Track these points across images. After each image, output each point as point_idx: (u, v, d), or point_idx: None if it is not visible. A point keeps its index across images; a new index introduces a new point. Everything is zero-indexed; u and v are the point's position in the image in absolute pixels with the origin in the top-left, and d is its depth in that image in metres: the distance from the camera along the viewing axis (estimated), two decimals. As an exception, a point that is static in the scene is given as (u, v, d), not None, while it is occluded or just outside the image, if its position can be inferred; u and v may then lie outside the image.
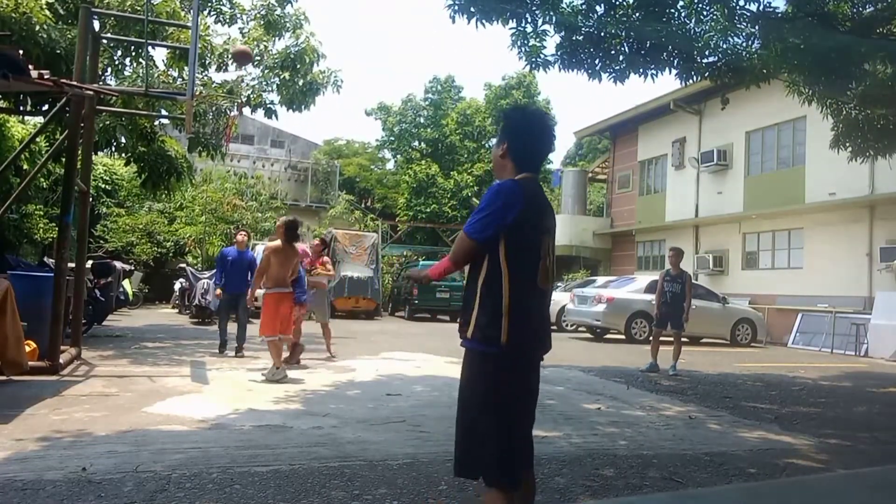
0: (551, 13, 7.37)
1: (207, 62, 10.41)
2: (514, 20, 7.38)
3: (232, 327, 8.98)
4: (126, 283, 12.45)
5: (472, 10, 7.04)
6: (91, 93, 7.20)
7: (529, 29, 7.55)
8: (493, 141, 27.66)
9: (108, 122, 9.49)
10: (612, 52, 7.69)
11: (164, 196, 14.30)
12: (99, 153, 11.64)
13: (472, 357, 2.28)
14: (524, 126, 2.45)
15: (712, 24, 7.76)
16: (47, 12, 8.14)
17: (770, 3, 7.58)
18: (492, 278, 2.23)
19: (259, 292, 7.24)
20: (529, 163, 2.41)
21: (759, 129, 17.70)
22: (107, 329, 11.44)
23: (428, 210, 28.41)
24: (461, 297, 2.39)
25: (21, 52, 6.25)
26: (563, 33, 7.57)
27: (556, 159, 37.69)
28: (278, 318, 6.85)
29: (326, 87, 10.88)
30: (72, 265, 8.14)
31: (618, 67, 7.76)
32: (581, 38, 7.60)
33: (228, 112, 10.88)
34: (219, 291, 9.13)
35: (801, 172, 16.34)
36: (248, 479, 3.46)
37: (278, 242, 7.01)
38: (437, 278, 2.63)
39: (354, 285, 18.37)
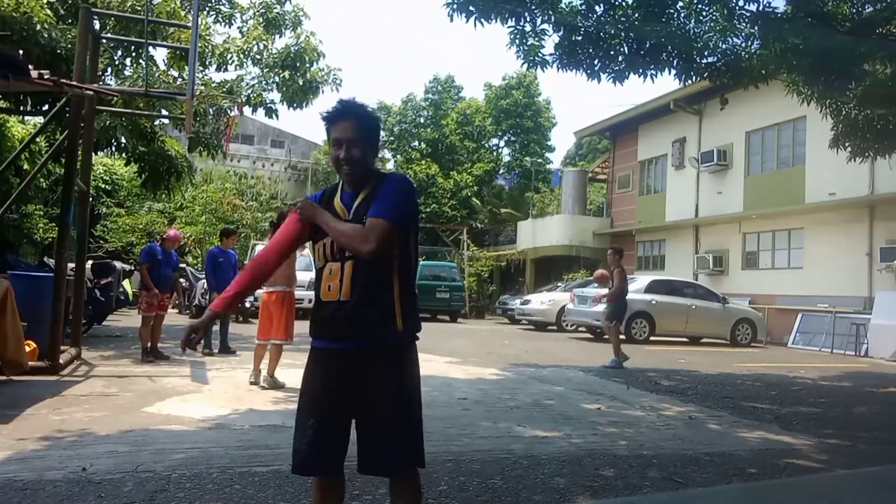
0: (550, 12, 7.37)
1: (207, 62, 10.42)
2: (513, 19, 7.37)
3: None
4: (126, 283, 12.43)
5: (470, 8, 7.04)
6: (91, 93, 7.19)
7: (528, 28, 7.55)
8: (493, 141, 27.22)
9: (108, 122, 9.49)
10: (612, 52, 7.67)
11: (164, 196, 14.31)
12: (99, 153, 11.63)
13: (409, 350, 2.25)
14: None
15: (712, 24, 7.75)
16: (48, 12, 8.14)
17: (770, 3, 7.56)
18: (404, 268, 2.20)
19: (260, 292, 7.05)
20: None
21: (759, 129, 17.70)
22: (107, 329, 11.44)
23: (428, 210, 28.44)
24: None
25: (21, 51, 6.26)
26: (561, 33, 7.56)
27: (556, 159, 37.74)
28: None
29: (326, 86, 10.89)
30: (72, 265, 8.14)
31: (617, 67, 7.75)
32: (580, 37, 7.59)
33: (228, 112, 10.89)
34: (215, 295, 8.80)
35: (801, 172, 16.34)
36: (248, 479, 3.47)
37: None
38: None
39: None
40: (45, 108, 9.03)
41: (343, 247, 2.14)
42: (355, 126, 2.20)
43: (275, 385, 6.40)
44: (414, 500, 2.28)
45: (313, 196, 2.40)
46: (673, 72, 8.00)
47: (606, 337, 9.48)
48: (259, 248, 12.03)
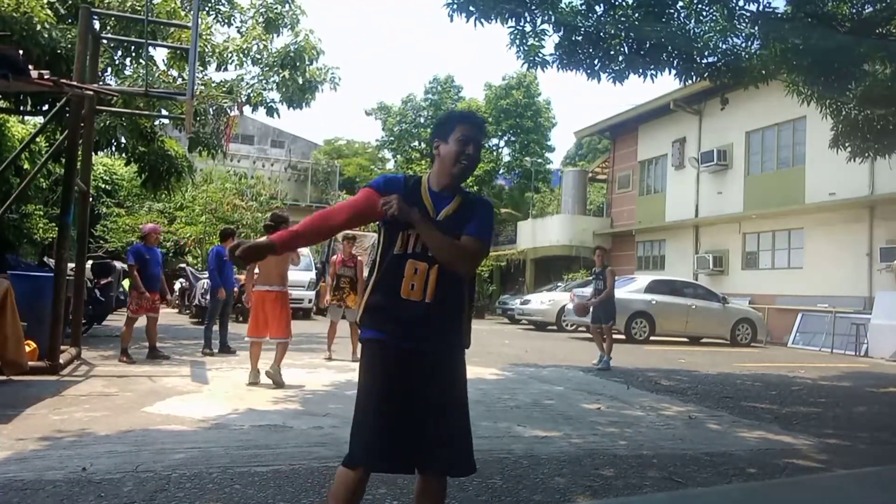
0: (550, 12, 7.36)
1: (207, 62, 10.42)
2: (513, 19, 7.37)
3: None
4: (126, 283, 12.42)
5: (470, 8, 7.04)
6: (91, 93, 7.20)
7: (528, 28, 7.54)
8: (493, 141, 27.09)
9: (108, 122, 9.49)
10: (612, 52, 7.66)
11: (164, 196, 14.32)
12: (99, 153, 11.64)
13: (463, 360, 2.39)
14: None
15: (712, 24, 7.75)
16: (48, 12, 8.15)
17: (770, 3, 7.57)
18: (472, 288, 2.42)
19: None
20: None
21: (759, 129, 17.70)
22: (107, 329, 11.44)
23: (428, 210, 28.41)
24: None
25: (21, 51, 6.27)
26: (561, 33, 7.55)
27: (556, 159, 37.74)
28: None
29: (324, 84, 10.88)
30: (72, 265, 8.15)
31: (617, 67, 7.74)
32: (580, 37, 7.59)
33: (228, 111, 10.89)
34: (222, 292, 8.84)
35: (801, 172, 16.33)
36: (248, 479, 3.47)
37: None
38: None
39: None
40: (45, 108, 9.04)
41: (439, 256, 2.20)
42: (483, 136, 2.39)
43: (278, 377, 6.44)
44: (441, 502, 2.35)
45: (395, 178, 2.36)
46: (673, 72, 7.99)
47: (605, 336, 9.44)
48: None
